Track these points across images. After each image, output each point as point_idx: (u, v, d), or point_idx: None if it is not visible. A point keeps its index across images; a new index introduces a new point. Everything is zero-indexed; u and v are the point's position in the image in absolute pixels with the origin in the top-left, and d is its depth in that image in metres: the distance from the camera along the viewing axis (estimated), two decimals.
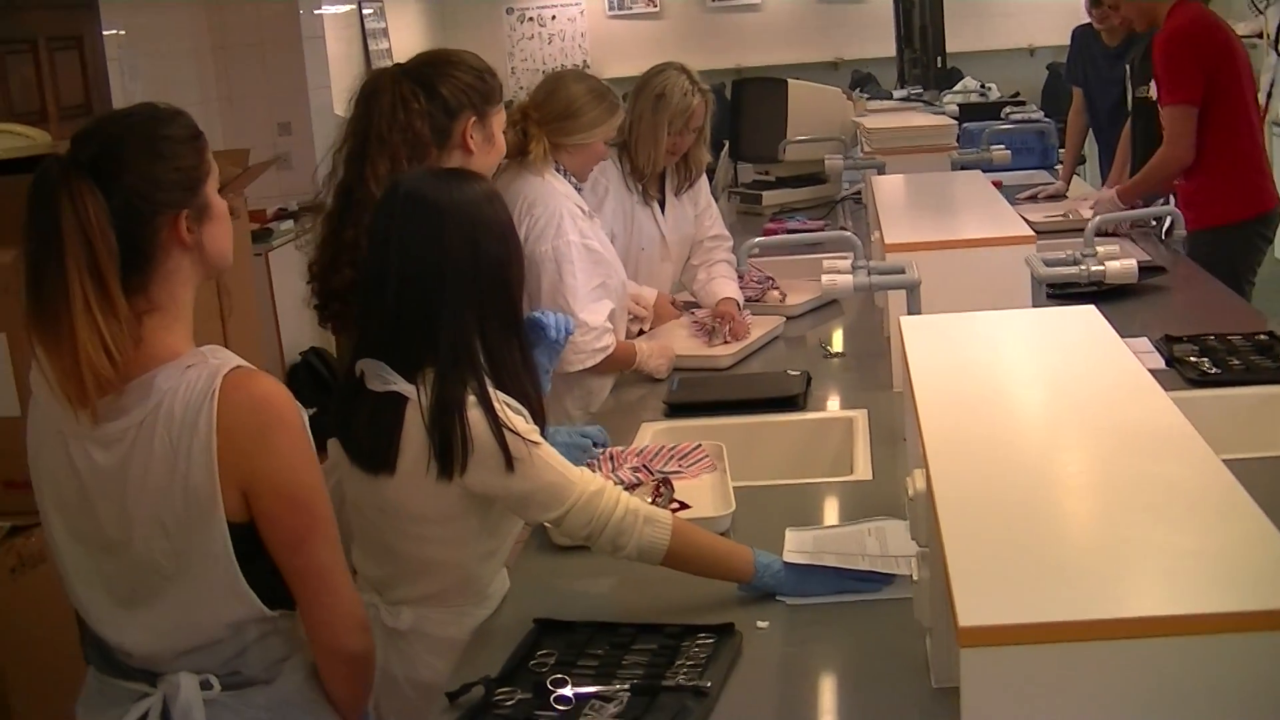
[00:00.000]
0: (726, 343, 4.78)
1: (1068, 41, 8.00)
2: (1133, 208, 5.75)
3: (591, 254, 4.36)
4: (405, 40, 14.15)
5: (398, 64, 3.72)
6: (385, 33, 13.80)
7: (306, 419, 2.50)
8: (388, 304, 2.81)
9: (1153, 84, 6.15)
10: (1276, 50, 11.52)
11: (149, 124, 2.47)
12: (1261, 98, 7.67)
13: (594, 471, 3.18)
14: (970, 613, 1.52)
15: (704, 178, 5.46)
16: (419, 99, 3.54)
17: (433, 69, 3.64)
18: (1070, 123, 7.94)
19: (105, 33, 8.01)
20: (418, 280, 2.79)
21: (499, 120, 3.74)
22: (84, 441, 2.43)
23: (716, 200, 5.71)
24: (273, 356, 7.32)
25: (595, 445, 3.68)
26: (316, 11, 9.81)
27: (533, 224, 4.24)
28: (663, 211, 5.25)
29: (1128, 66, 6.64)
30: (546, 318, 3.38)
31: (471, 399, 2.71)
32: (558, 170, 4.47)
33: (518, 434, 2.71)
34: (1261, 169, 5.87)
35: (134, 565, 2.46)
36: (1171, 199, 6.13)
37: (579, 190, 4.56)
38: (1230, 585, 1.57)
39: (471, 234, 2.81)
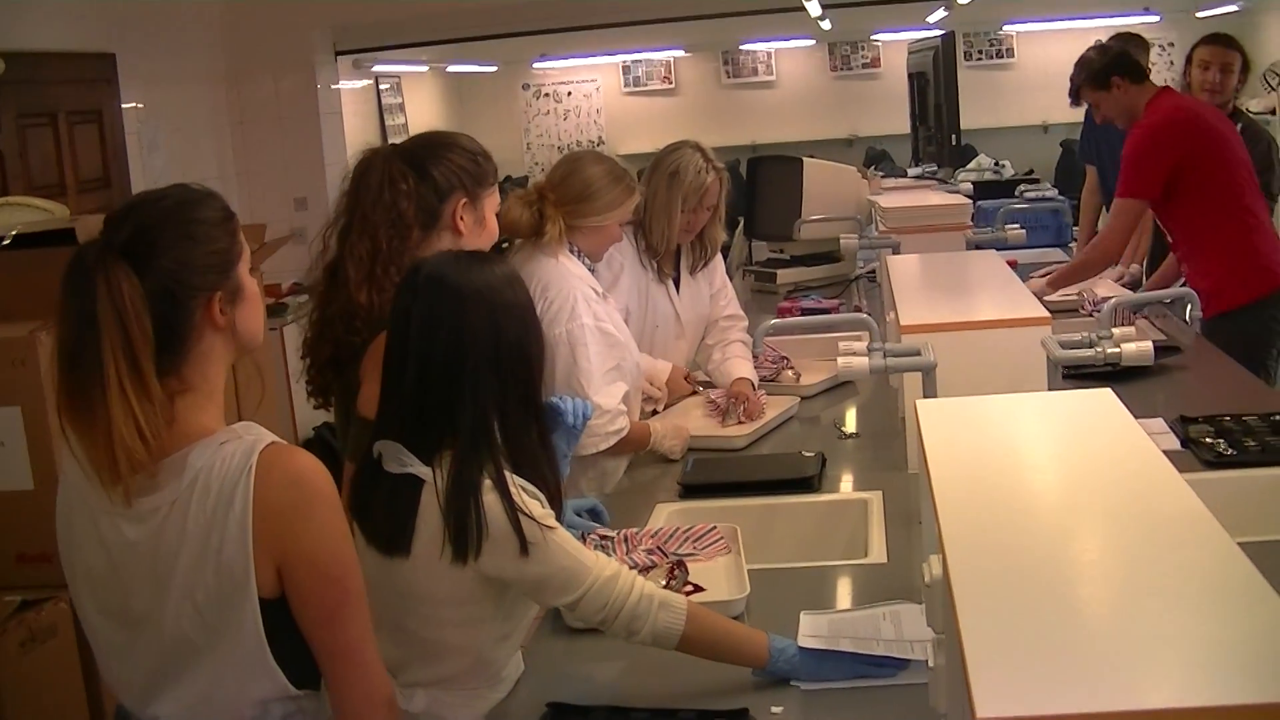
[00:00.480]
0: (741, 423, 4.78)
1: (1081, 119, 8.02)
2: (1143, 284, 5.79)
3: (605, 336, 4.36)
4: (422, 115, 14.25)
5: (392, 144, 3.71)
6: (401, 108, 13.90)
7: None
8: (407, 386, 2.81)
9: None
10: None
11: (183, 207, 2.48)
12: None
13: (609, 554, 3.17)
14: (988, 704, 1.51)
15: (719, 257, 5.47)
16: (408, 180, 3.52)
17: (426, 150, 3.63)
18: (1084, 201, 7.96)
19: (124, 106, 8.07)
20: (438, 363, 2.79)
21: (491, 203, 3.72)
22: (114, 517, 2.43)
23: (731, 278, 5.72)
24: (286, 431, 7.32)
25: (593, 517, 3.69)
26: (334, 86, 9.88)
27: (546, 306, 4.23)
28: (677, 290, 5.25)
29: None
30: (564, 404, 3.37)
31: (487, 483, 2.70)
32: (571, 251, 4.47)
33: (533, 518, 2.70)
34: (1261, 249, 5.84)
35: (163, 640, 2.45)
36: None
37: (592, 271, 4.56)
38: (1251, 675, 1.55)
39: (492, 317, 2.81)
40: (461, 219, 3.59)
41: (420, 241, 3.52)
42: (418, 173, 3.54)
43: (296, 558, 2.41)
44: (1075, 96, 6.17)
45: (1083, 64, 6.05)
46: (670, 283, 5.23)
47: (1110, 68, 5.93)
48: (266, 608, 2.41)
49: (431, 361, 2.79)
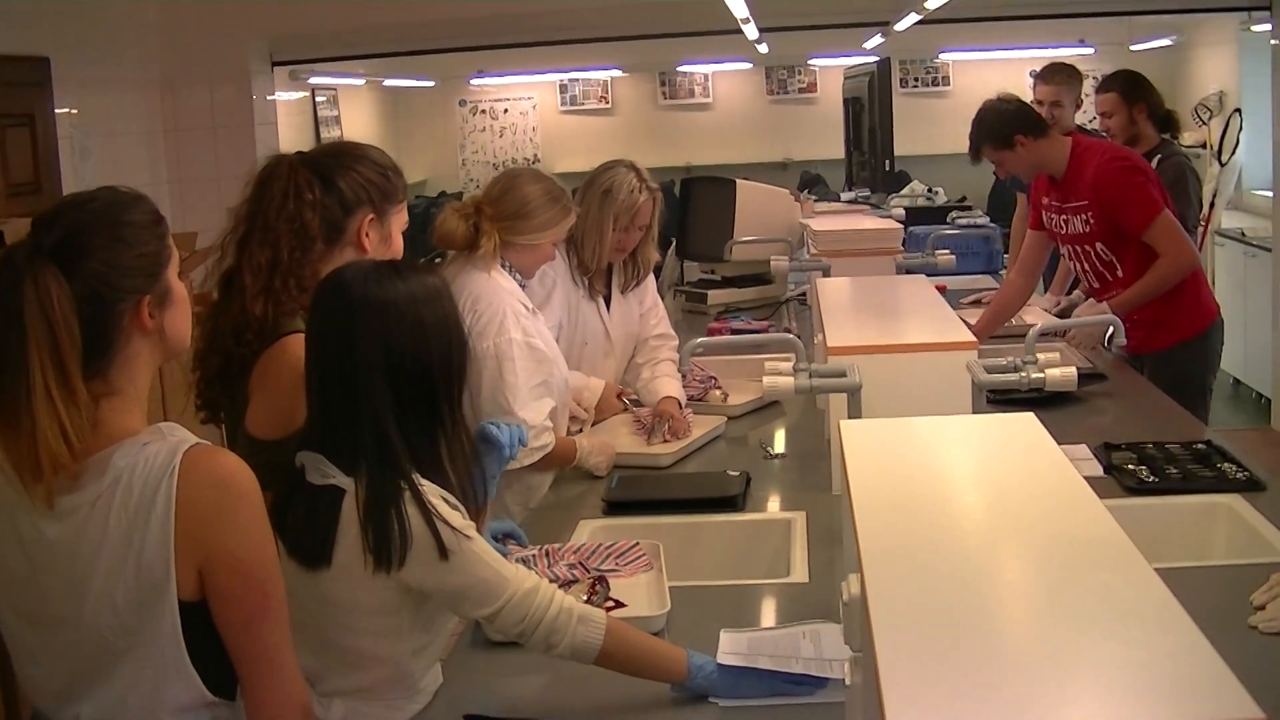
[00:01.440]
0: (666, 441, 4.78)
1: None
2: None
3: (534, 352, 4.35)
4: (357, 128, 14.23)
5: (299, 151, 3.56)
6: (337, 120, 13.86)
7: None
8: (313, 399, 2.82)
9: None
10: (1219, 160, 11.69)
11: (112, 209, 2.46)
12: (1205, 208, 7.73)
13: (530, 567, 3.16)
14: None
15: (651, 276, 5.47)
16: (314, 190, 3.38)
17: (334, 160, 3.49)
18: (1015, 229, 7.99)
19: (57, 111, 8.00)
20: (336, 375, 2.79)
21: (399, 220, 3.58)
22: (34, 516, 2.40)
23: (662, 298, 5.73)
24: (214, 442, 7.25)
25: (510, 539, 3.67)
26: (270, 97, 9.83)
27: (475, 319, 4.21)
28: (608, 307, 5.25)
29: None
30: (501, 432, 3.33)
31: (406, 494, 2.70)
32: (504, 266, 4.46)
33: (452, 527, 2.69)
34: (1199, 284, 5.92)
35: (81, 642, 2.43)
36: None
37: (524, 287, 4.55)
38: (1164, 698, 1.56)
39: (384, 328, 2.80)
40: (367, 235, 3.46)
41: (323, 255, 3.38)
42: (324, 183, 3.41)
43: (218, 559, 2.39)
44: (975, 155, 6.00)
45: (980, 123, 5.92)
46: (601, 300, 5.24)
47: (1012, 126, 5.83)
48: (187, 611, 2.39)
49: (330, 374, 2.80)
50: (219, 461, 2.43)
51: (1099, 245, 5.84)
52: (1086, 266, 6.00)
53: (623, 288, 5.32)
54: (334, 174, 3.44)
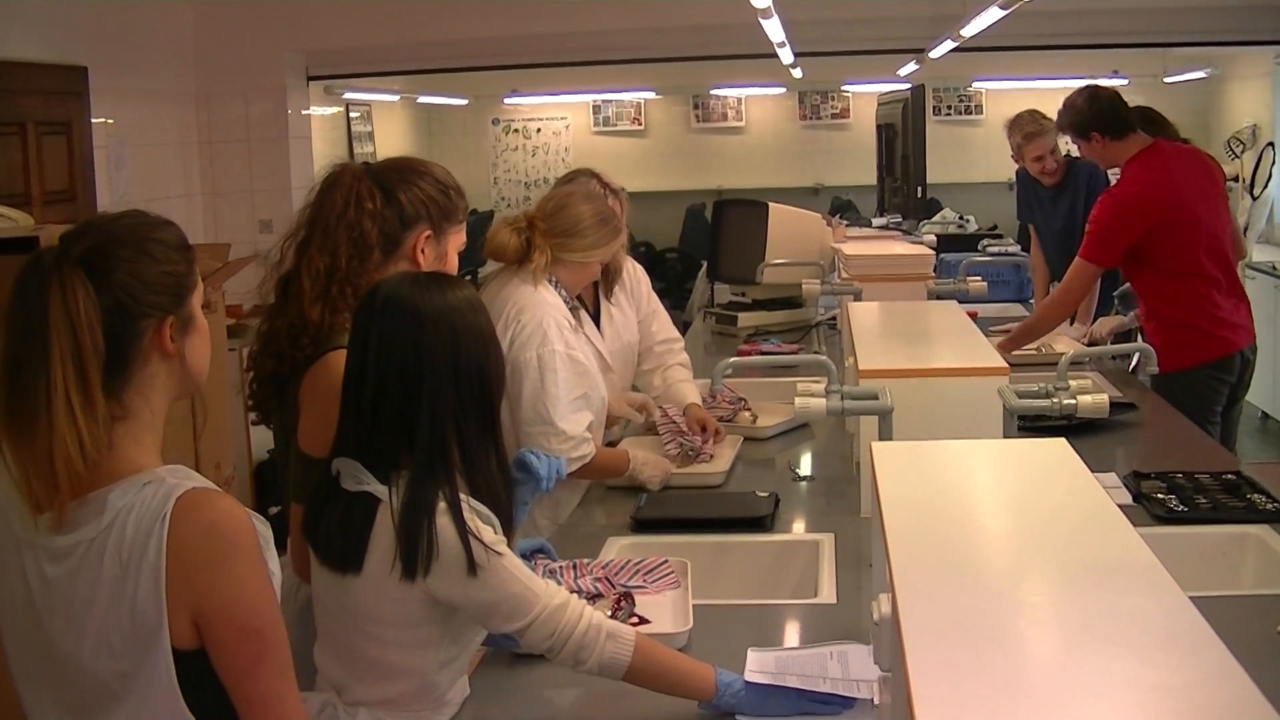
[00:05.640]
0: (712, 456, 4.82)
1: None
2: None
3: (575, 364, 4.38)
4: (391, 145, 14.28)
5: (365, 161, 3.59)
6: (371, 136, 13.90)
7: (261, 540, 2.41)
8: (365, 406, 2.81)
9: None
10: (1251, 194, 11.67)
11: (141, 227, 2.46)
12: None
13: (556, 579, 3.17)
14: None
15: (646, 280, 5.45)
16: (374, 200, 3.41)
17: (397, 174, 3.51)
18: (1033, 258, 8.02)
19: (94, 120, 8.04)
20: (397, 383, 2.79)
21: (455, 240, 3.60)
22: (37, 551, 2.38)
23: (692, 320, 5.72)
24: (241, 452, 7.28)
25: (540, 555, 3.66)
26: (304, 112, 9.88)
27: (519, 330, 4.26)
28: (598, 325, 5.11)
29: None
30: (540, 463, 3.32)
31: (442, 504, 2.70)
32: (550, 281, 4.50)
33: (483, 543, 2.70)
34: (1216, 315, 5.89)
35: (82, 681, 2.40)
36: (1139, 336, 6.21)
37: (567, 304, 4.56)
38: None
39: (452, 337, 2.81)
40: (422, 251, 3.48)
41: (379, 265, 3.40)
42: (385, 195, 3.43)
43: (211, 609, 2.35)
44: (1060, 130, 6.31)
45: (1067, 109, 6.16)
46: (588, 318, 5.04)
47: (1090, 123, 6.02)
48: (186, 659, 2.35)
49: (389, 381, 2.80)
50: (212, 508, 2.37)
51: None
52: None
53: (607, 292, 5.24)
54: (395, 187, 3.47)
